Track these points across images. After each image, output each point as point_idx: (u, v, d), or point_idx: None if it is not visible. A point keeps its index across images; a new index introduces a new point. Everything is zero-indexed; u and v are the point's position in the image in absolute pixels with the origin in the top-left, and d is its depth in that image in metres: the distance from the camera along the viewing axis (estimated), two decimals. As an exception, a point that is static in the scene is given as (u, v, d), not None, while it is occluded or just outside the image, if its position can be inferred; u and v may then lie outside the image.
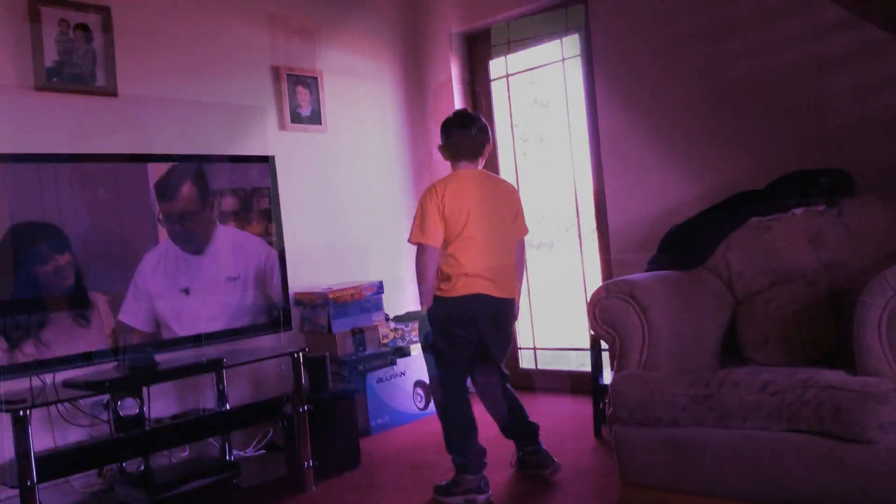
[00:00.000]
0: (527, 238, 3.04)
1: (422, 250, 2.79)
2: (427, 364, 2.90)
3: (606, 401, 3.20)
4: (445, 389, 2.83)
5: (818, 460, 2.00)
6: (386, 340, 3.94)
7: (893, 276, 2.02)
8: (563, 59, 4.14)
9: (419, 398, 4.02)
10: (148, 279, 2.90)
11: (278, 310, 3.28)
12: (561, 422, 3.62)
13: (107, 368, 2.87)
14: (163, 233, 2.95)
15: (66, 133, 3.05)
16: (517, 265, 2.95)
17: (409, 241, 2.83)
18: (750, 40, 3.27)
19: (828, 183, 2.68)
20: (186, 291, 2.99)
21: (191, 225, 3.03)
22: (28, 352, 2.58)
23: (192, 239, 3.04)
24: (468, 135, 2.86)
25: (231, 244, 3.14)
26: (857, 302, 2.07)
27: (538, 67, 4.33)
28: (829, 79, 3.08)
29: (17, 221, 2.58)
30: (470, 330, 2.78)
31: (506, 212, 2.90)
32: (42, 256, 2.64)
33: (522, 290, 3.04)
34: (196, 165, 3.04)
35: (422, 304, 2.83)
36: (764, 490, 2.11)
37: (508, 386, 2.97)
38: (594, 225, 3.99)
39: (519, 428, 2.95)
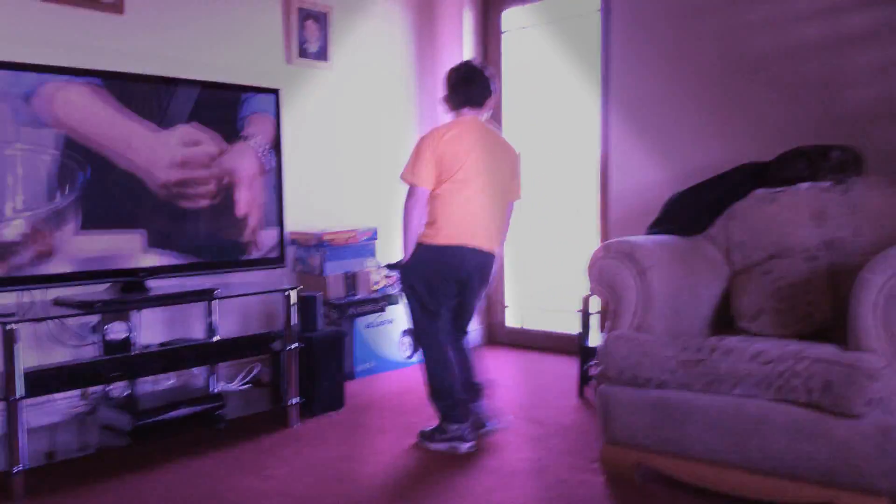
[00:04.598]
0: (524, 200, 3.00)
1: (412, 192, 2.76)
2: (409, 311, 2.87)
3: (592, 362, 3.23)
4: (426, 337, 2.82)
5: (803, 431, 2.02)
6: (377, 287, 3.93)
7: (896, 255, 2.02)
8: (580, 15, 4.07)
9: (406, 347, 4.03)
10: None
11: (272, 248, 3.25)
12: (546, 380, 3.64)
13: (98, 290, 2.85)
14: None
15: (68, 47, 2.99)
16: (503, 224, 2.91)
17: (400, 176, 2.79)
18: (770, 12, 3.22)
19: (838, 158, 2.65)
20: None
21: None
22: (18, 266, 2.55)
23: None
24: (472, 87, 2.82)
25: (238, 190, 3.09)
26: (856, 278, 2.07)
27: (553, 22, 4.25)
28: (847, 56, 3.04)
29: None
30: (451, 281, 2.78)
31: (504, 170, 2.86)
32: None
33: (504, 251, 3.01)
34: (208, 95, 2.97)
35: (404, 250, 2.79)
36: (746, 456, 2.13)
37: (465, 341, 2.96)
38: (596, 187, 3.96)
39: (466, 384, 2.90)
